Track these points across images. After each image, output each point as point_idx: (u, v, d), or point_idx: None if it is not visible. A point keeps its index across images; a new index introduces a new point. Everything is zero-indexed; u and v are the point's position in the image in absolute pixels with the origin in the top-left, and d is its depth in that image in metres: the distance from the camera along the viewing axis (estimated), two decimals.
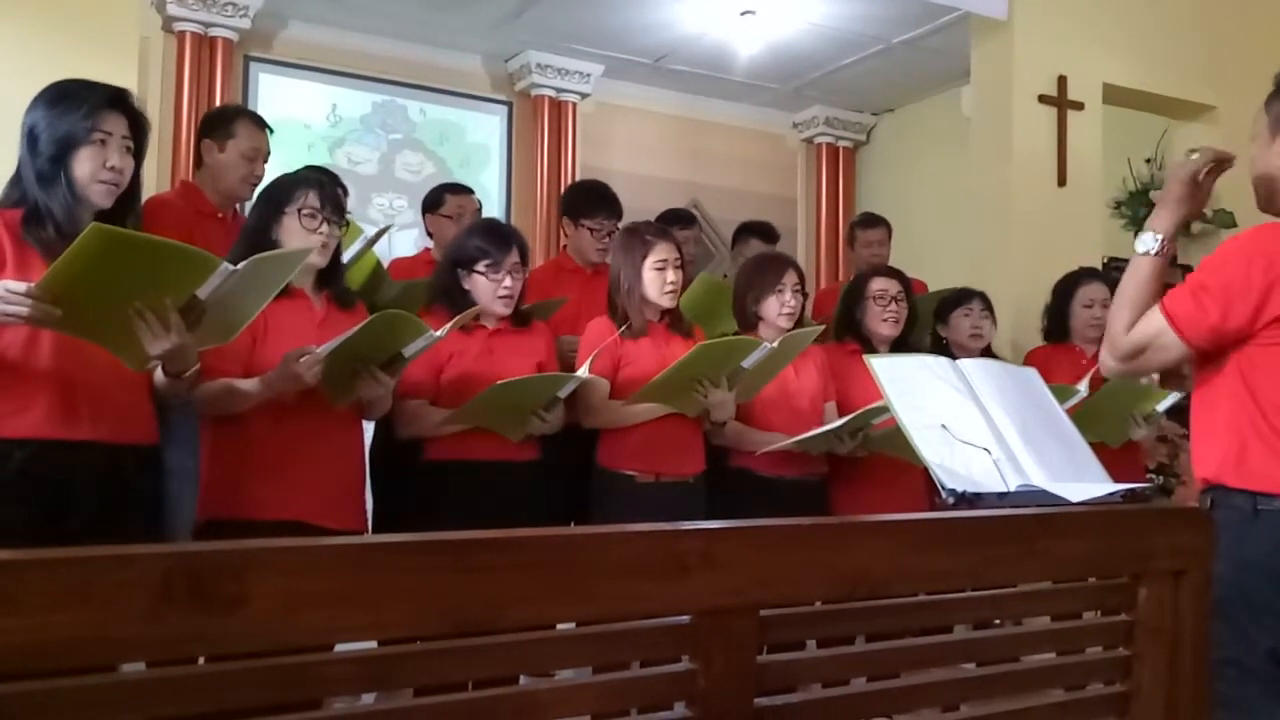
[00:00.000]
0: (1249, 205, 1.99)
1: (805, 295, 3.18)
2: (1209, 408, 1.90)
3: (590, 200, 3.52)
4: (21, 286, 1.83)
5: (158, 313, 1.89)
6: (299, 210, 2.36)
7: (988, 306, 3.69)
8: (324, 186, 2.43)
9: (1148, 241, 1.93)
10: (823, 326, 3.16)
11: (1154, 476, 4.09)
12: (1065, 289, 3.78)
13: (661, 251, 2.89)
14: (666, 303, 2.91)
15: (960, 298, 3.71)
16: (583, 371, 2.66)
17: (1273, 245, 1.81)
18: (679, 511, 2.72)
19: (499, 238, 2.76)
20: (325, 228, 2.39)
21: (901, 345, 3.30)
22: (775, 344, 2.82)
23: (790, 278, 3.09)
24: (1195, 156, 1.96)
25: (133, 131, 2.11)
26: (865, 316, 3.30)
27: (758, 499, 2.96)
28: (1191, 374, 2.01)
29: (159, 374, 2.10)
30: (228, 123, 3.12)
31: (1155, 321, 1.87)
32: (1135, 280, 1.94)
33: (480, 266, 2.70)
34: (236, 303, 2.01)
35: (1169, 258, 1.95)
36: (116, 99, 2.10)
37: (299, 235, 2.35)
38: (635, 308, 2.89)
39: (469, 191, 3.91)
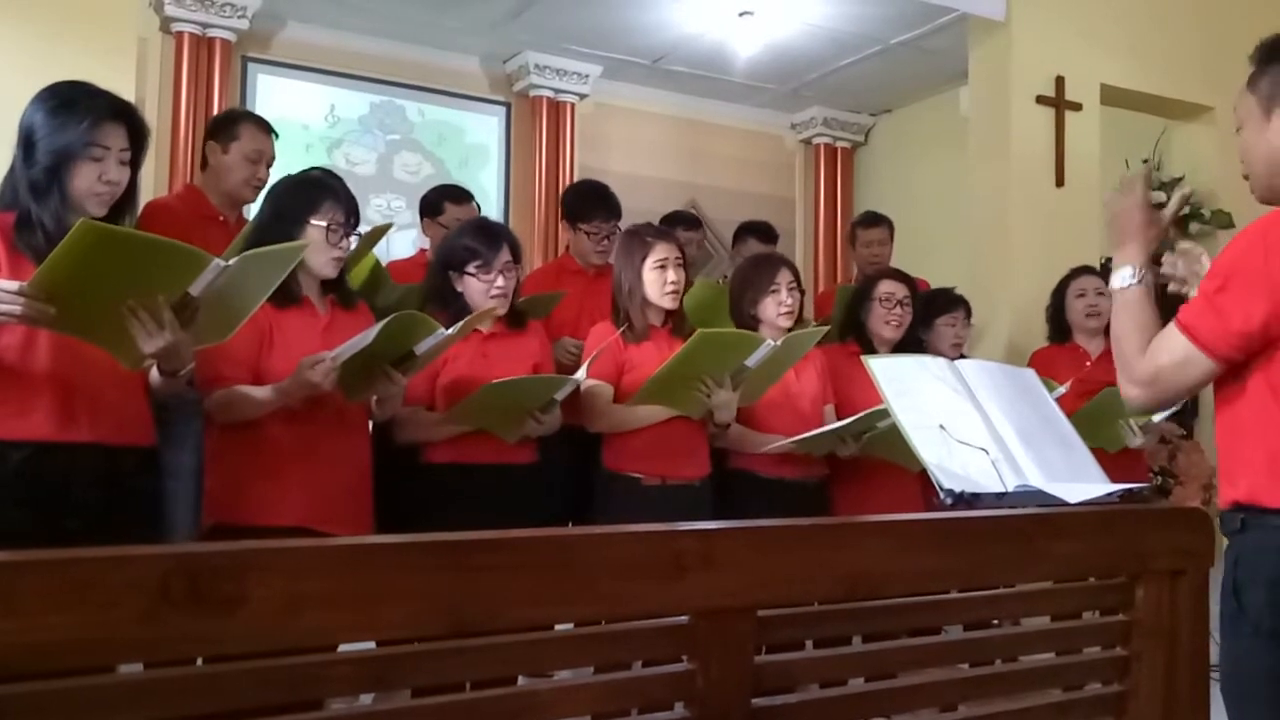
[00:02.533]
0: (1246, 206, 1.94)
1: (802, 292, 3.18)
2: (1233, 427, 1.75)
3: (587, 203, 3.51)
4: (14, 285, 1.82)
5: (150, 310, 1.89)
6: (326, 226, 2.35)
7: (969, 315, 3.72)
8: (350, 200, 2.42)
9: (1125, 275, 1.80)
10: (827, 328, 3.16)
11: (1153, 477, 4.10)
12: (1060, 287, 3.83)
13: (661, 251, 2.89)
14: (668, 303, 2.90)
15: (947, 305, 3.71)
16: (580, 374, 2.65)
17: None
18: (686, 515, 2.72)
19: (489, 237, 2.74)
20: (345, 242, 2.39)
21: (901, 349, 3.30)
22: (779, 342, 2.82)
23: (784, 276, 3.08)
24: (1133, 184, 1.86)
25: (132, 141, 2.10)
26: (869, 318, 3.31)
27: (759, 500, 2.96)
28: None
29: (154, 373, 2.10)
30: (232, 125, 3.12)
31: (1174, 340, 1.69)
32: (1128, 311, 1.78)
33: (471, 268, 2.68)
34: (232, 300, 2.00)
35: (1151, 286, 1.80)
36: (118, 111, 2.09)
37: (321, 248, 2.34)
38: (637, 310, 2.88)
39: (469, 199, 3.89)
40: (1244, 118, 1.82)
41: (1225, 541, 1.75)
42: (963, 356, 3.65)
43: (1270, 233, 1.67)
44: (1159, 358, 1.71)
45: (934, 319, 3.68)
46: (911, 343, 3.59)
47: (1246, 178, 1.86)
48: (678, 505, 2.78)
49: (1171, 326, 1.71)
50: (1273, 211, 1.73)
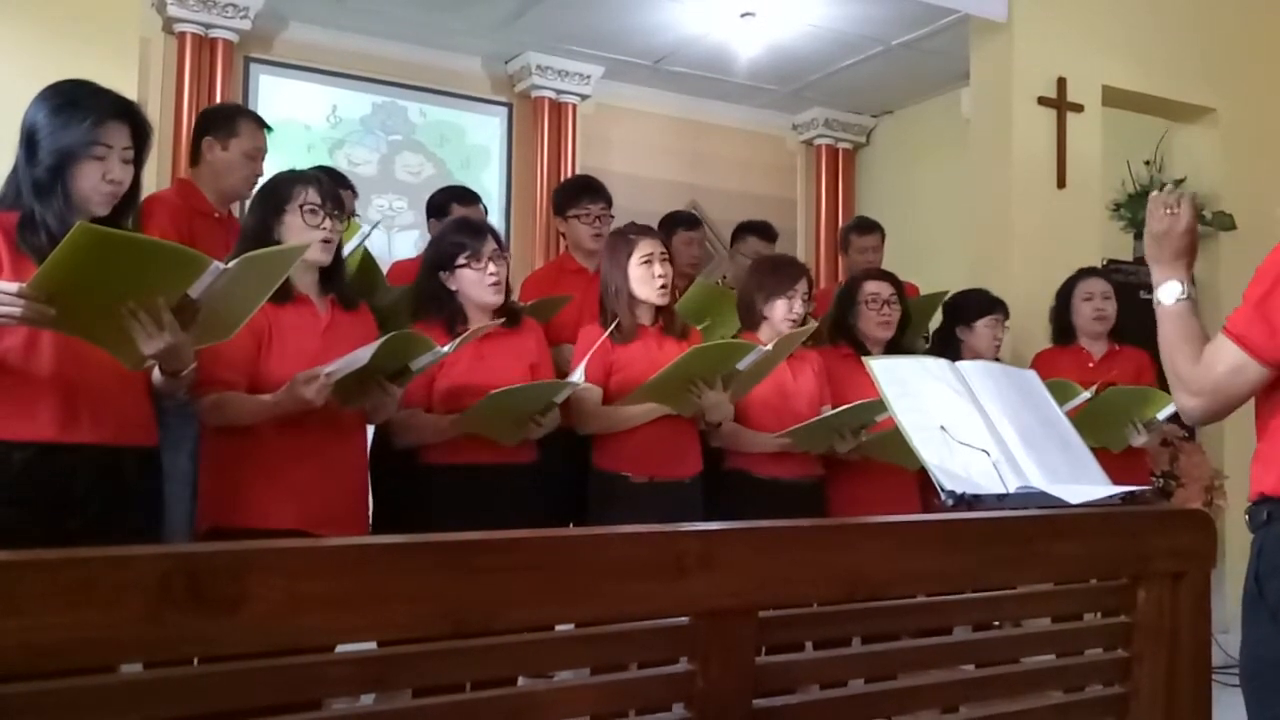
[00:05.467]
0: (1248, 208, 1.95)
1: (811, 303, 3.21)
2: (1266, 425, 1.79)
3: (573, 191, 3.58)
4: (14, 287, 1.82)
5: (150, 312, 1.89)
6: (300, 207, 2.35)
7: (1006, 315, 3.73)
8: (322, 182, 2.43)
9: (1174, 290, 1.81)
10: (815, 325, 3.16)
11: (1155, 479, 4.09)
12: (1066, 289, 3.81)
13: (646, 247, 2.89)
14: (657, 299, 2.90)
15: (989, 305, 3.71)
16: (578, 375, 2.65)
17: None
18: (675, 513, 2.73)
19: (472, 228, 2.77)
20: (327, 223, 2.38)
21: (893, 348, 3.30)
22: (770, 347, 2.82)
23: (802, 285, 3.11)
24: (1178, 200, 1.85)
25: (134, 140, 2.10)
26: (859, 319, 3.31)
27: (755, 500, 2.96)
28: None
29: (156, 373, 2.10)
30: (230, 121, 3.11)
31: (1226, 349, 1.71)
32: (1177, 324, 1.80)
33: (461, 260, 2.69)
34: (232, 301, 2.01)
35: (1196, 300, 1.83)
36: (121, 110, 2.09)
37: (301, 233, 2.33)
38: (625, 308, 2.88)
39: (476, 200, 3.90)
40: None
41: (1223, 540, 1.77)
42: (998, 358, 3.65)
43: None
44: (1214, 368, 1.73)
45: (975, 320, 3.67)
46: (949, 341, 3.59)
47: None
48: (666, 503, 2.79)
49: (1221, 336, 1.74)
50: None
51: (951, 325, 3.70)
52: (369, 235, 3.14)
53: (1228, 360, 1.72)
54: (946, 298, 3.87)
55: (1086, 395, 3.12)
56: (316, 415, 2.29)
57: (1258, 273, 1.75)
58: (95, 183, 2.03)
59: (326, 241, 2.38)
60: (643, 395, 2.77)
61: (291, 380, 2.21)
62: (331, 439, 2.36)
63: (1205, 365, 1.75)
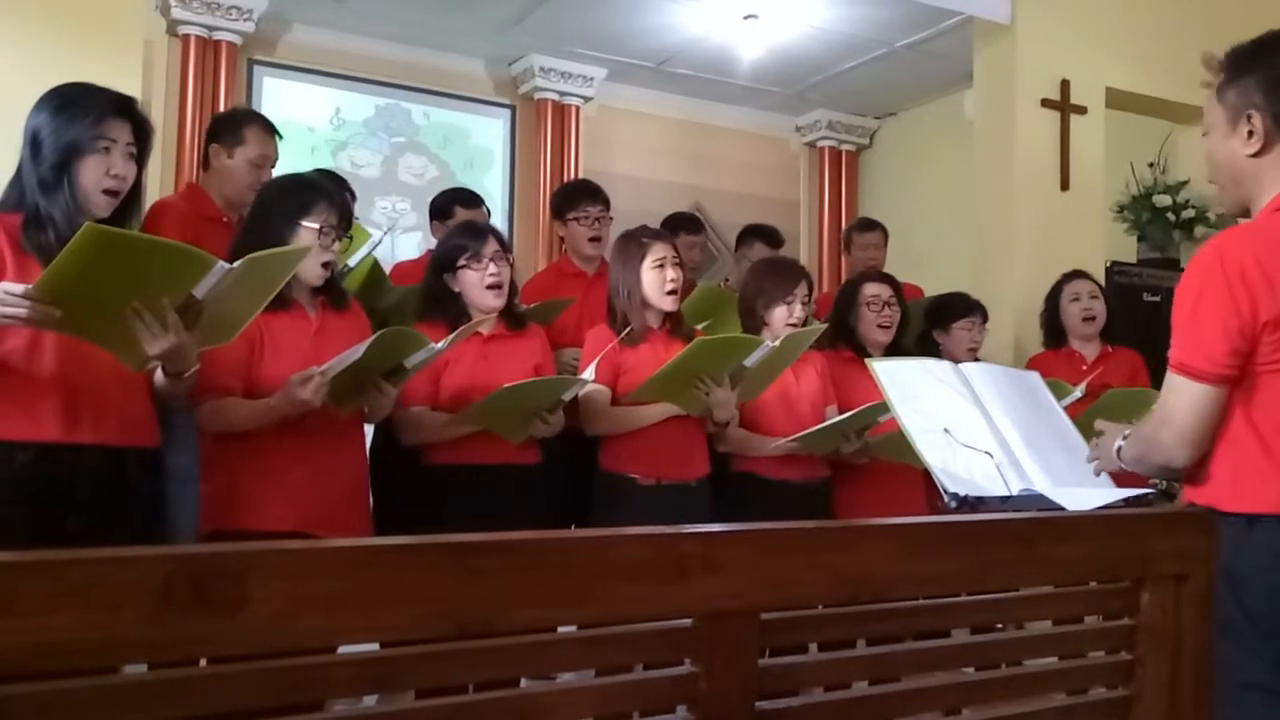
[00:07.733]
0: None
1: (810, 308, 3.21)
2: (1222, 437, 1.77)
3: (570, 194, 3.60)
4: (19, 288, 1.83)
5: (155, 312, 1.89)
6: (319, 229, 2.33)
7: (985, 319, 3.71)
8: (341, 203, 2.43)
9: (1119, 444, 1.89)
10: (823, 326, 3.16)
11: (1156, 481, 4.08)
12: (1053, 292, 3.82)
13: (659, 250, 2.89)
14: (668, 304, 2.90)
15: (964, 309, 3.69)
16: (588, 374, 2.66)
17: (1238, 252, 1.70)
18: (681, 515, 2.73)
19: (473, 230, 2.79)
20: (335, 245, 2.39)
21: (893, 350, 3.30)
22: (777, 342, 2.82)
23: (802, 289, 3.10)
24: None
25: (136, 138, 2.11)
26: (859, 322, 3.31)
27: (761, 502, 2.96)
28: None
29: (159, 374, 2.10)
30: (237, 128, 3.09)
31: (1174, 382, 1.74)
32: (1132, 445, 1.86)
33: (462, 261, 2.70)
34: (236, 302, 2.01)
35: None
36: (122, 107, 2.10)
37: (313, 250, 2.33)
38: (636, 311, 2.89)
39: (479, 204, 3.90)
40: (1210, 125, 1.85)
41: None
42: (978, 361, 3.64)
43: (1225, 251, 1.72)
44: (1168, 402, 1.75)
45: (950, 323, 3.66)
46: (927, 346, 3.59)
47: (1211, 182, 1.89)
48: (672, 505, 2.79)
49: (1169, 375, 1.76)
50: (1222, 233, 1.78)
51: (929, 329, 3.69)
52: (379, 244, 3.13)
53: (1180, 392, 1.73)
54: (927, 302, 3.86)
55: (1077, 394, 3.12)
56: (313, 416, 2.28)
57: (1177, 296, 1.77)
58: (99, 177, 2.04)
59: (326, 265, 2.38)
60: (649, 390, 2.77)
61: (287, 383, 2.21)
62: (329, 440, 2.36)
63: (1161, 406, 1.77)
